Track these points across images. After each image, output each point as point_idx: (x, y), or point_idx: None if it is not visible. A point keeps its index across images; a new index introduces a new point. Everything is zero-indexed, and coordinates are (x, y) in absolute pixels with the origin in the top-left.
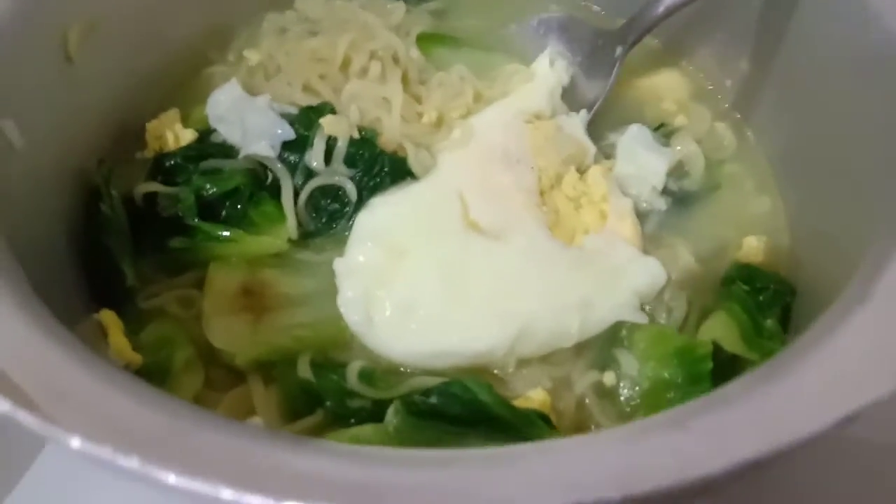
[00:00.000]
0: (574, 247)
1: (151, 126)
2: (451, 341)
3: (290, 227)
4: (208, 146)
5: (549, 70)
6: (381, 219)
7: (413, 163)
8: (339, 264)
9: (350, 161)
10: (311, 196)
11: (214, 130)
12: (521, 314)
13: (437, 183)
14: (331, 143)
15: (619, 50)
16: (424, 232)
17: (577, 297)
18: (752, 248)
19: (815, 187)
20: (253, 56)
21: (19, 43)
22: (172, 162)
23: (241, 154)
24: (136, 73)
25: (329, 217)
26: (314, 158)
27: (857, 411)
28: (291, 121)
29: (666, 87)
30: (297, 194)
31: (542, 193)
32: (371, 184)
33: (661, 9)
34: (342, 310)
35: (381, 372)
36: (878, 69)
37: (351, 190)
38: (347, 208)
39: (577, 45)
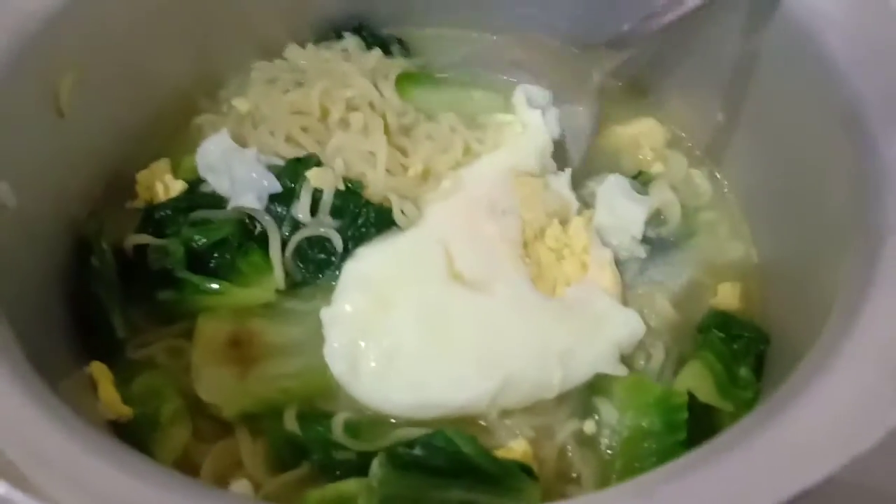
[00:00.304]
0: (556, 298)
1: (142, 176)
2: (434, 393)
3: (278, 277)
4: (198, 196)
5: (541, 124)
6: (368, 268)
7: (397, 215)
8: (326, 314)
9: (336, 212)
10: (299, 246)
11: (204, 180)
12: (504, 366)
13: (423, 233)
14: (317, 195)
15: (595, 76)
16: (409, 282)
17: (558, 349)
18: (727, 294)
19: (786, 235)
20: (242, 105)
21: (11, 102)
22: (163, 213)
23: (230, 206)
24: (126, 123)
25: (316, 266)
26: (300, 210)
27: (811, 488)
28: (278, 173)
29: (643, 134)
30: (284, 245)
31: (525, 245)
32: (357, 234)
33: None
34: (328, 359)
35: (366, 423)
36: (846, 126)
37: (337, 241)
38: (334, 258)
39: (547, 76)
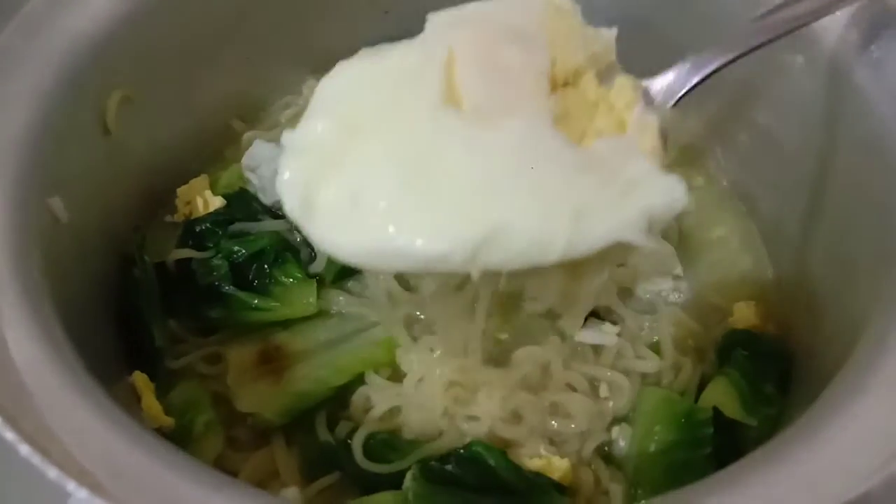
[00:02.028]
0: (580, 148)
1: (181, 191)
2: (400, 238)
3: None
4: (236, 210)
5: None
6: (345, 87)
7: None
8: (286, 138)
9: None
10: None
11: (241, 194)
12: (495, 214)
13: (421, 48)
14: None
15: None
16: (392, 106)
17: (571, 204)
18: (744, 313)
19: (809, 258)
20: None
21: (62, 119)
22: (203, 227)
23: (274, 200)
24: (168, 141)
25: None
26: None
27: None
28: None
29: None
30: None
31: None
32: None
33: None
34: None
35: (390, 440)
36: (872, 154)
37: None
38: None
39: None
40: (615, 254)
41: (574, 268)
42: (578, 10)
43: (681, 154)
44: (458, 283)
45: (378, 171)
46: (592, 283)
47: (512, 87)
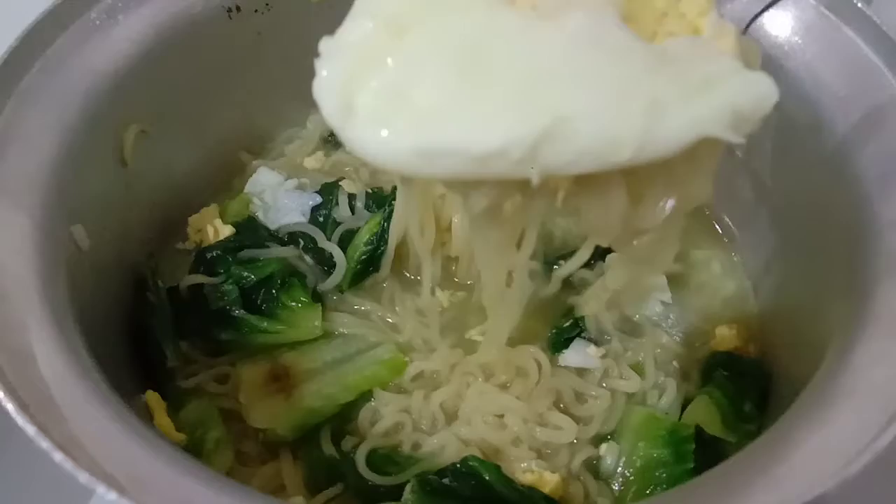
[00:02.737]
0: (653, 45)
1: (193, 220)
2: (451, 133)
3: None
4: (245, 238)
5: None
6: None
7: None
8: (325, 43)
9: (368, 207)
10: None
11: (249, 222)
12: (557, 106)
13: None
14: (351, 201)
15: None
16: (442, 6)
17: (644, 96)
18: (725, 336)
19: (787, 282)
20: (312, 163)
21: (83, 153)
22: (213, 254)
23: (278, 225)
24: (180, 171)
25: None
26: (340, 212)
27: None
28: (317, 191)
29: None
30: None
31: None
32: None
33: None
34: (316, 96)
35: (391, 455)
36: (842, 185)
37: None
38: None
39: None
40: (684, 171)
41: (639, 184)
42: None
43: None
44: (510, 202)
45: (426, 67)
46: (656, 212)
47: None
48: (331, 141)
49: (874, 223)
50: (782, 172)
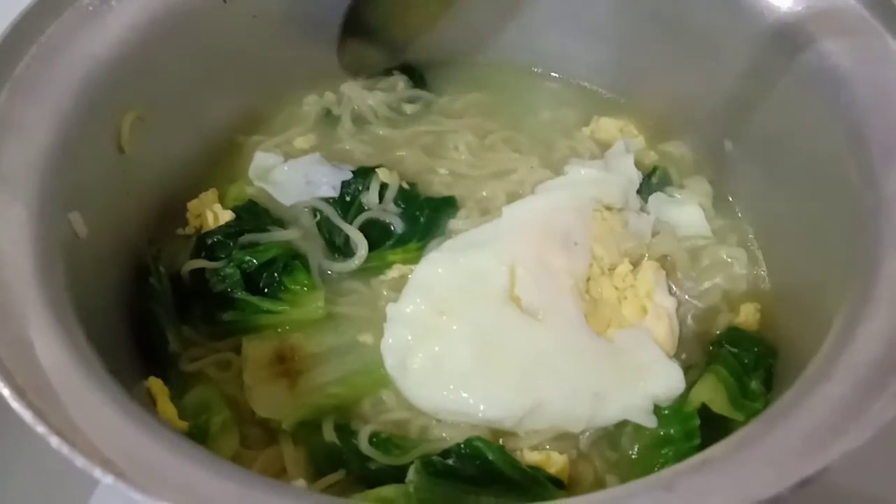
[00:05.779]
0: (604, 338)
1: (192, 205)
2: (469, 402)
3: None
4: (245, 223)
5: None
6: (435, 275)
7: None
8: (391, 309)
9: (396, 202)
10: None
11: (249, 206)
12: (538, 392)
13: (494, 252)
14: (382, 190)
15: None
16: (470, 296)
17: (593, 389)
18: (749, 314)
19: (795, 259)
20: (302, 143)
21: (81, 139)
22: (214, 239)
23: (307, 198)
24: (178, 157)
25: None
26: (370, 198)
27: (809, 477)
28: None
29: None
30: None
31: (589, 279)
32: (415, 226)
33: None
34: (383, 353)
35: (391, 437)
36: (848, 162)
37: (397, 224)
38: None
39: None
40: None
41: None
42: (622, 215)
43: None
44: None
45: (455, 347)
46: None
47: (555, 288)
48: (326, 120)
49: (878, 199)
50: (790, 148)
